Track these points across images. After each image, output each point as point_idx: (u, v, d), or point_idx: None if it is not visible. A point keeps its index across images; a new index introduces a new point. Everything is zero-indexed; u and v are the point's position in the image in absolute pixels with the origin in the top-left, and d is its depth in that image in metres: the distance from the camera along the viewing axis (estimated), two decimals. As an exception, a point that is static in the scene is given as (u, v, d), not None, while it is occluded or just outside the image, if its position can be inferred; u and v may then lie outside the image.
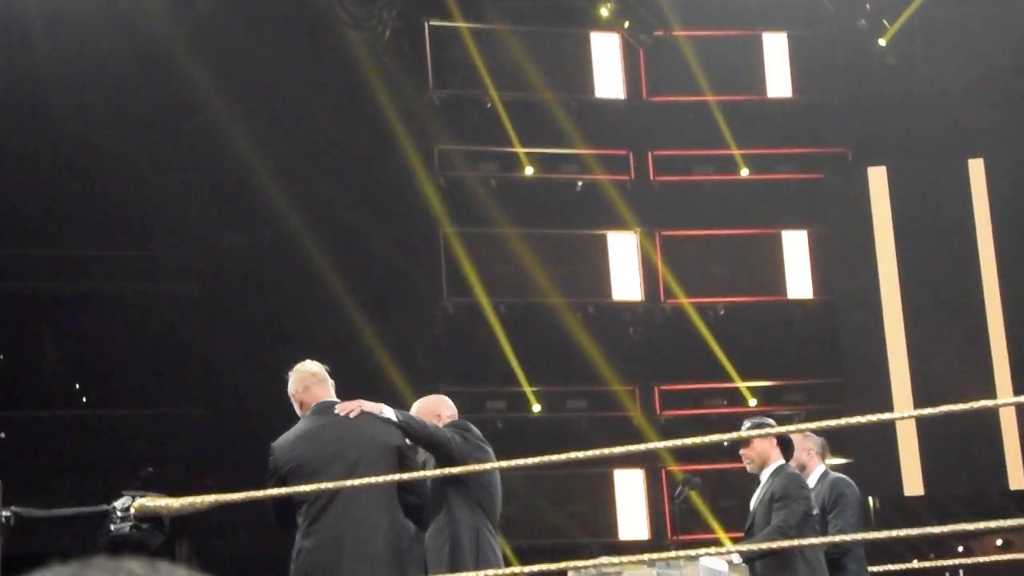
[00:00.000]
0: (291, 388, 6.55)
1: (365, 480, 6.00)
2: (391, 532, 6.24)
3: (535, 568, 6.84)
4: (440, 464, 6.46)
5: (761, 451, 7.51)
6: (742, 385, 15.40)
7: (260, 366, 13.55)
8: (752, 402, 15.36)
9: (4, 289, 14.73)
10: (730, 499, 7.91)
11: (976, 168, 14.92)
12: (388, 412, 6.35)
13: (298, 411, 6.55)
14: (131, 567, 0.78)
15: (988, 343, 14.58)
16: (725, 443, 7.49)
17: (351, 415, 6.34)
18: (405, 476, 6.26)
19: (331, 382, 6.54)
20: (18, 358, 15.22)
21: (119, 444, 14.93)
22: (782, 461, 7.50)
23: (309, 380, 6.48)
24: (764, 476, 7.50)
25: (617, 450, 6.33)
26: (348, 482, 5.98)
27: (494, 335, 15.12)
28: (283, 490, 6.12)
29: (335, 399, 6.49)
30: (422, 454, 6.79)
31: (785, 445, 7.55)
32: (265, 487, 6.34)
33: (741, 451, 7.60)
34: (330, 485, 5.99)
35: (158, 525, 5.83)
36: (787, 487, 7.34)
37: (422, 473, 6.54)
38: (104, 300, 14.95)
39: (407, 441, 6.41)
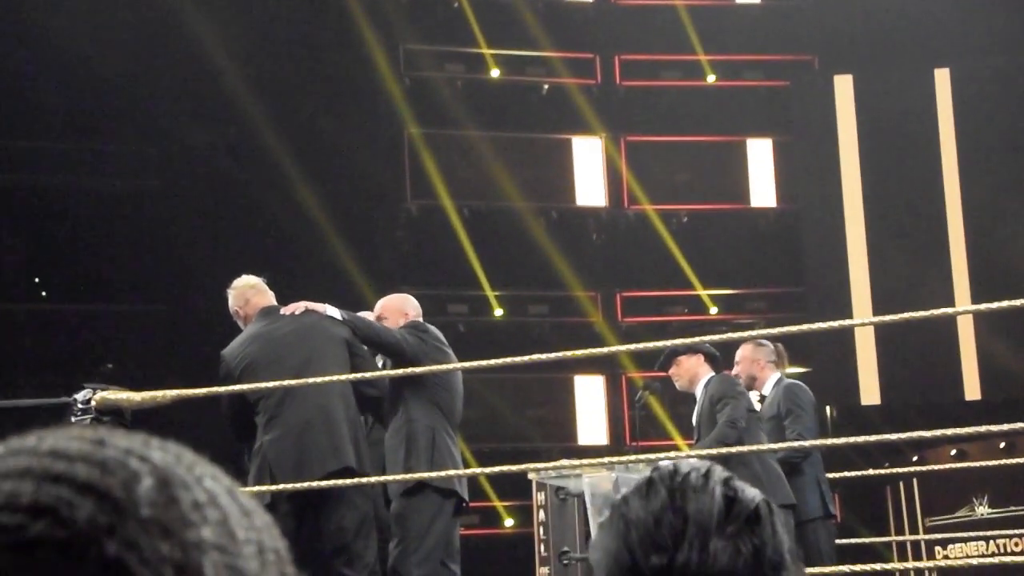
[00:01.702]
0: (232, 305, 6.61)
1: (323, 379, 6.02)
2: (351, 422, 6.30)
3: (495, 469, 6.90)
4: (395, 365, 6.48)
5: (688, 368, 7.63)
6: (704, 293, 15.45)
7: (223, 264, 13.49)
8: (713, 310, 15.43)
9: (-38, 182, 14.59)
10: (688, 407, 7.95)
11: (942, 78, 14.90)
12: (332, 311, 6.42)
13: (242, 327, 6.57)
14: (98, 432, 0.77)
15: (949, 255, 14.66)
16: (684, 347, 7.54)
17: (297, 312, 6.39)
18: (366, 375, 6.28)
19: (271, 293, 6.60)
20: (-24, 252, 15.11)
21: (79, 339, 14.90)
22: (712, 374, 7.59)
23: (248, 292, 6.54)
24: (698, 391, 7.61)
25: (577, 353, 6.37)
26: (310, 380, 6.00)
27: (457, 238, 15.09)
28: (242, 387, 6.13)
29: (277, 305, 6.55)
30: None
31: (713, 360, 7.63)
32: (221, 399, 6.37)
33: (669, 371, 7.70)
34: (290, 383, 6.00)
35: (119, 418, 5.84)
36: (722, 389, 7.46)
37: (382, 372, 6.56)
38: (65, 193, 14.83)
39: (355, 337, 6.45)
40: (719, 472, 1.26)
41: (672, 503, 1.21)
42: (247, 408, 6.30)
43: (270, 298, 6.56)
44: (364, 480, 6.41)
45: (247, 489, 6.01)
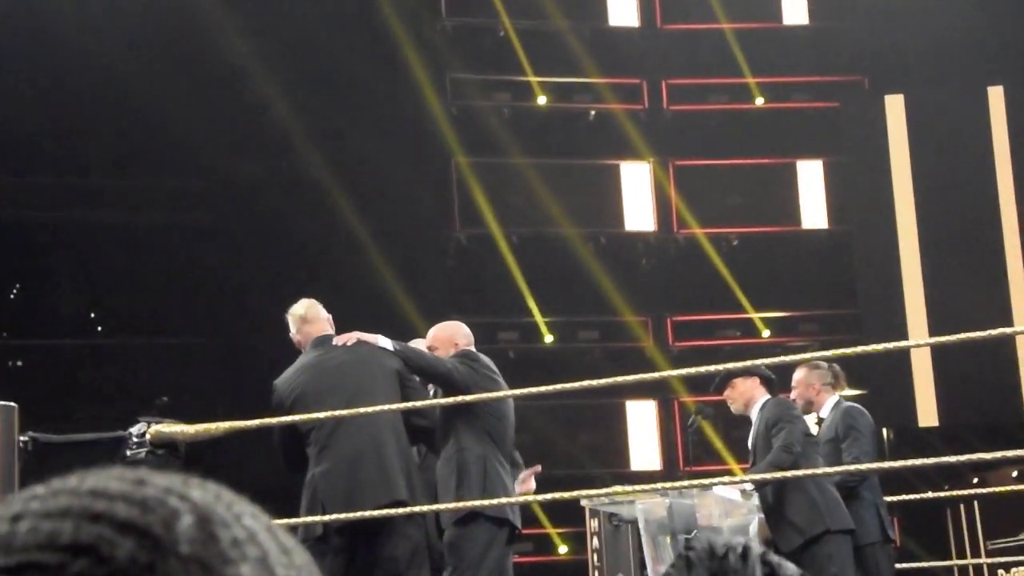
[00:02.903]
0: (291, 332, 6.64)
1: (377, 408, 6.01)
2: (402, 453, 6.28)
3: (548, 496, 6.86)
4: (447, 395, 6.47)
5: (743, 391, 7.56)
6: (755, 316, 15.37)
7: (274, 297, 13.54)
8: (766, 333, 15.34)
9: (21, 218, 14.74)
10: (742, 430, 7.89)
11: (996, 96, 14.78)
12: (384, 342, 6.41)
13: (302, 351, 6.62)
14: (126, 473, 0.77)
15: (1006, 274, 14.51)
16: (739, 370, 7.47)
17: (349, 343, 6.40)
18: (416, 404, 6.27)
19: (326, 318, 6.61)
20: (34, 287, 15.26)
21: (134, 374, 15.00)
22: (767, 397, 7.53)
23: (299, 322, 6.57)
24: (753, 414, 7.54)
25: (628, 378, 6.33)
26: (361, 410, 5.99)
27: (506, 265, 15.10)
28: (293, 417, 6.14)
29: (330, 333, 6.56)
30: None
31: (768, 382, 7.57)
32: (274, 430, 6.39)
33: (724, 394, 7.64)
34: (341, 413, 5.99)
35: (173, 451, 5.86)
36: (779, 413, 7.39)
37: (433, 401, 6.54)
38: (119, 229, 14.96)
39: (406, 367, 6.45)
40: (756, 548, 1.26)
41: None
42: (298, 439, 6.31)
43: (324, 326, 6.56)
44: (416, 509, 6.39)
45: (299, 520, 6.02)
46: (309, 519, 6.04)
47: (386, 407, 6.06)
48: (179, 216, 15.21)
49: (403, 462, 6.25)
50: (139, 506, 0.74)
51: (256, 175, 14.94)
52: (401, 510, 6.01)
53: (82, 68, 14.30)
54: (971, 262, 14.57)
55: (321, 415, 6.02)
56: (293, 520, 6.06)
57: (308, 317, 6.54)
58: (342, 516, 5.94)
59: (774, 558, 1.26)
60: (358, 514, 5.91)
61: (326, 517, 5.99)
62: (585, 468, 14.68)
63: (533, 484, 7.44)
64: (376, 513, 5.91)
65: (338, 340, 6.43)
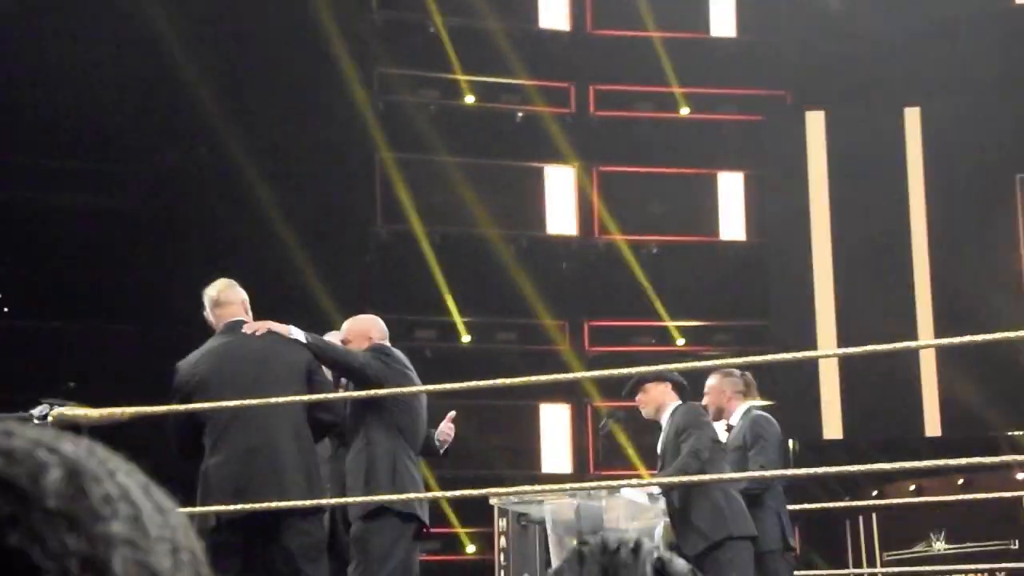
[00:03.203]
0: (206, 309, 6.53)
1: (278, 400, 5.97)
2: (299, 450, 6.20)
3: (457, 493, 6.89)
4: (358, 389, 6.45)
5: (655, 396, 7.64)
6: (671, 324, 15.48)
7: (191, 284, 13.43)
8: (680, 341, 15.46)
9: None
10: (653, 436, 7.96)
11: (912, 117, 15.02)
12: (297, 333, 6.33)
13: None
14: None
15: (913, 293, 14.74)
16: (651, 375, 7.55)
17: (258, 334, 6.31)
18: (322, 397, 6.25)
19: (241, 300, 6.48)
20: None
21: (43, 357, 14.79)
22: (678, 402, 7.61)
23: (212, 304, 6.46)
24: (664, 419, 7.62)
25: (542, 379, 6.38)
26: (262, 400, 5.94)
27: (426, 263, 15.08)
28: (198, 406, 6.08)
29: (243, 318, 6.44)
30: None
31: (680, 388, 7.65)
32: (169, 402, 6.31)
33: (636, 398, 7.71)
34: (252, 402, 5.95)
35: (76, 434, 5.80)
36: (687, 419, 7.47)
37: (341, 395, 6.53)
38: (33, 210, 14.75)
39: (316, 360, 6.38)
40: (648, 545, 1.28)
41: None
42: (194, 426, 6.23)
43: (238, 310, 6.43)
44: (324, 502, 6.38)
45: (193, 510, 5.97)
46: (205, 509, 5.99)
47: (286, 399, 5.99)
48: (95, 199, 15.01)
49: (300, 458, 6.17)
50: (4, 457, 0.71)
51: (177, 161, 14.81)
52: (308, 503, 5.99)
53: (1, 49, 14.10)
54: (881, 280, 14.78)
55: (224, 404, 5.96)
56: (208, 509, 6.01)
57: (221, 300, 6.44)
58: (242, 507, 5.89)
59: (665, 554, 1.28)
60: (255, 506, 5.86)
61: (221, 508, 5.93)
62: (496, 469, 14.71)
63: (452, 431, 7.41)
64: (273, 506, 5.87)
65: (248, 328, 6.33)
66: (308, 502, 5.98)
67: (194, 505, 6.07)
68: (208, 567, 0.78)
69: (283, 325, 6.35)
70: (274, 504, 5.87)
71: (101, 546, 0.70)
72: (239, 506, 5.88)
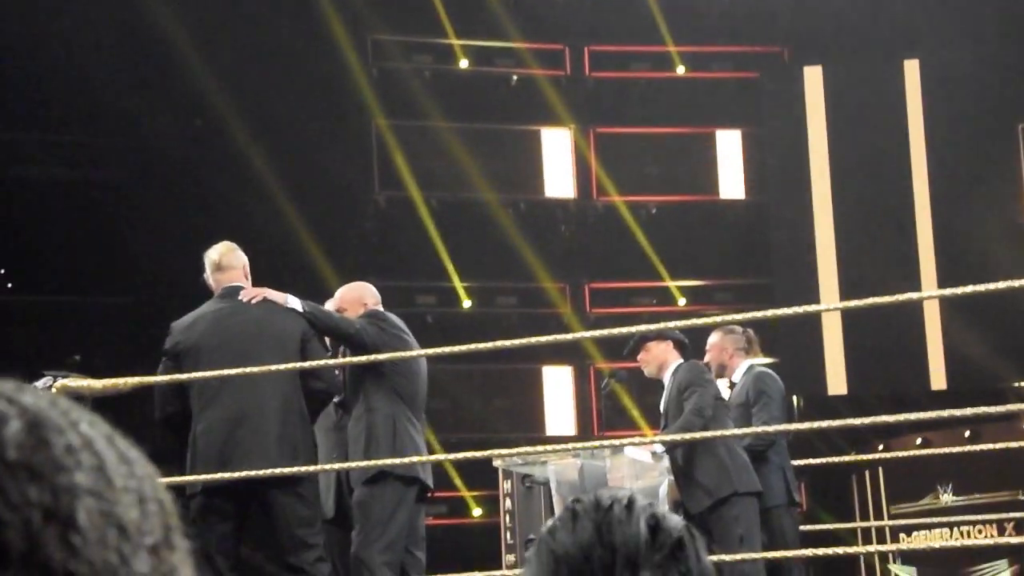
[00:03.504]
0: (206, 268, 6.50)
1: (265, 368, 5.94)
2: (285, 419, 6.16)
3: (459, 455, 6.87)
4: (354, 354, 6.43)
5: (657, 354, 7.62)
6: (672, 284, 15.45)
7: (189, 256, 13.40)
8: (681, 301, 15.43)
9: (-75, 171, 14.45)
10: (656, 396, 7.95)
11: (911, 69, 14.93)
12: (293, 302, 6.30)
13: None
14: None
15: (916, 247, 14.70)
16: (652, 333, 7.53)
17: (254, 301, 6.28)
18: (314, 364, 6.21)
19: (242, 266, 6.46)
20: (-61, 242, 14.98)
21: (45, 332, 14.79)
22: (680, 361, 7.59)
23: (212, 267, 6.43)
24: (666, 378, 7.60)
25: (542, 340, 6.35)
26: (249, 369, 5.91)
27: (425, 229, 15.05)
28: (192, 375, 6.05)
29: (241, 284, 6.41)
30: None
31: (681, 347, 7.63)
32: (158, 366, 6.30)
33: (638, 357, 7.69)
34: (239, 371, 5.90)
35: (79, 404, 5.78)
36: (690, 376, 7.45)
37: (333, 361, 6.50)
38: (29, 184, 14.72)
39: (311, 329, 6.34)
40: (641, 501, 1.26)
41: (599, 536, 1.21)
42: (180, 393, 6.21)
43: (238, 275, 6.39)
44: (327, 467, 6.36)
45: (181, 479, 5.95)
46: (196, 478, 5.98)
47: (273, 368, 5.96)
48: (92, 172, 14.99)
49: (286, 427, 6.14)
50: None
51: (171, 132, 14.75)
52: (309, 468, 5.98)
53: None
54: (883, 235, 14.74)
55: (210, 374, 5.93)
56: (177, 479, 5.99)
57: (223, 264, 6.40)
58: (242, 474, 5.86)
59: (659, 510, 1.27)
60: (247, 473, 5.84)
61: (216, 476, 5.91)
62: (500, 432, 14.70)
63: None
64: (265, 473, 5.85)
65: (245, 295, 6.30)
66: (291, 469, 5.94)
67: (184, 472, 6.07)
68: (177, 518, 0.76)
69: (280, 293, 6.33)
70: (256, 472, 5.84)
71: (65, 497, 0.69)
72: (222, 475, 5.86)
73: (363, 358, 6.25)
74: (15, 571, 0.66)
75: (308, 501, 6.16)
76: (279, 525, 6.06)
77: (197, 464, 6.02)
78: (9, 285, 15.32)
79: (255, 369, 5.88)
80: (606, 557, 1.19)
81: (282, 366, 5.99)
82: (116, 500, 0.71)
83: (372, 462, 6.30)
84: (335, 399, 6.69)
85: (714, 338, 8.13)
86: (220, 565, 5.98)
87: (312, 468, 6.10)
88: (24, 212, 14.65)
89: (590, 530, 1.22)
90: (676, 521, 1.26)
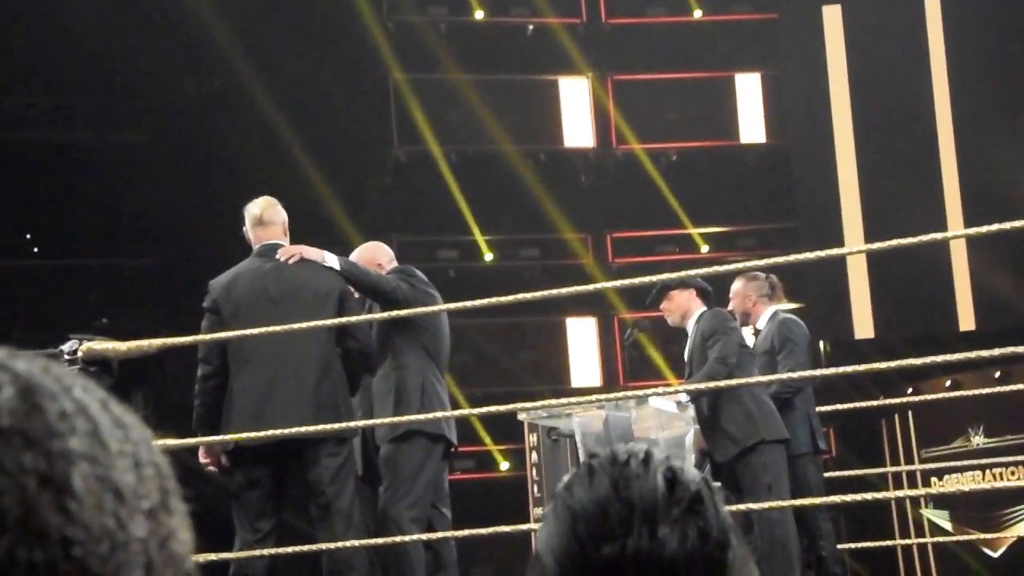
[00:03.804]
0: (245, 223, 6.50)
1: (308, 324, 5.94)
2: (326, 378, 6.17)
3: (484, 410, 6.86)
4: (385, 311, 6.42)
5: (680, 303, 7.59)
6: (694, 231, 15.37)
7: (211, 216, 13.42)
8: (704, 248, 15.36)
9: (-53, 139, 14.48)
10: (680, 345, 7.92)
11: (932, 5, 14.75)
12: (331, 260, 6.30)
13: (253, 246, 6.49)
14: None
15: (941, 184, 14.57)
16: (675, 281, 7.48)
17: (291, 260, 6.28)
18: (351, 320, 6.20)
19: (282, 222, 6.46)
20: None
21: (72, 296, 14.85)
22: (704, 309, 7.54)
23: (253, 223, 6.42)
24: (690, 326, 7.57)
25: (564, 291, 6.30)
26: (288, 327, 5.91)
27: (445, 183, 15.00)
28: (230, 334, 6.05)
29: (280, 242, 6.41)
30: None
31: (705, 295, 7.59)
32: (203, 324, 6.30)
33: (661, 306, 7.65)
34: (277, 328, 5.90)
35: (106, 368, 5.80)
36: (714, 324, 7.41)
37: (369, 316, 6.48)
38: (51, 149, 14.75)
39: (349, 288, 6.35)
40: (659, 455, 1.25)
41: (616, 492, 1.20)
42: (221, 350, 6.21)
43: (278, 232, 6.39)
44: (353, 424, 6.35)
45: (216, 439, 5.96)
46: (228, 437, 5.99)
47: (312, 324, 5.96)
48: (114, 135, 15.01)
49: (328, 384, 6.15)
50: None
51: (191, 93, 14.74)
52: (335, 425, 5.96)
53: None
54: (907, 173, 14.61)
55: (247, 332, 5.92)
56: (212, 438, 6.00)
57: (264, 219, 6.40)
58: (272, 433, 5.88)
59: (676, 464, 1.25)
60: (283, 432, 5.86)
61: (246, 435, 5.93)
62: (526, 385, 14.70)
63: None
64: (304, 430, 5.86)
65: (283, 254, 6.30)
66: (334, 425, 5.95)
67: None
68: (175, 481, 0.76)
69: (317, 251, 6.33)
70: (296, 430, 5.85)
71: (59, 462, 0.69)
72: (275, 432, 5.87)
73: (394, 313, 6.23)
74: (11, 537, 0.67)
75: (340, 458, 6.17)
76: (308, 481, 6.08)
77: (233, 421, 6.03)
78: (35, 250, 15.37)
79: (295, 326, 5.88)
80: (623, 512, 1.19)
81: (321, 322, 5.97)
82: (111, 465, 0.71)
83: (399, 419, 6.31)
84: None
85: (737, 285, 8.09)
86: (259, 526, 6.01)
87: (346, 424, 6.09)
88: (47, 177, 14.69)
89: (606, 485, 1.21)
90: (694, 474, 1.25)
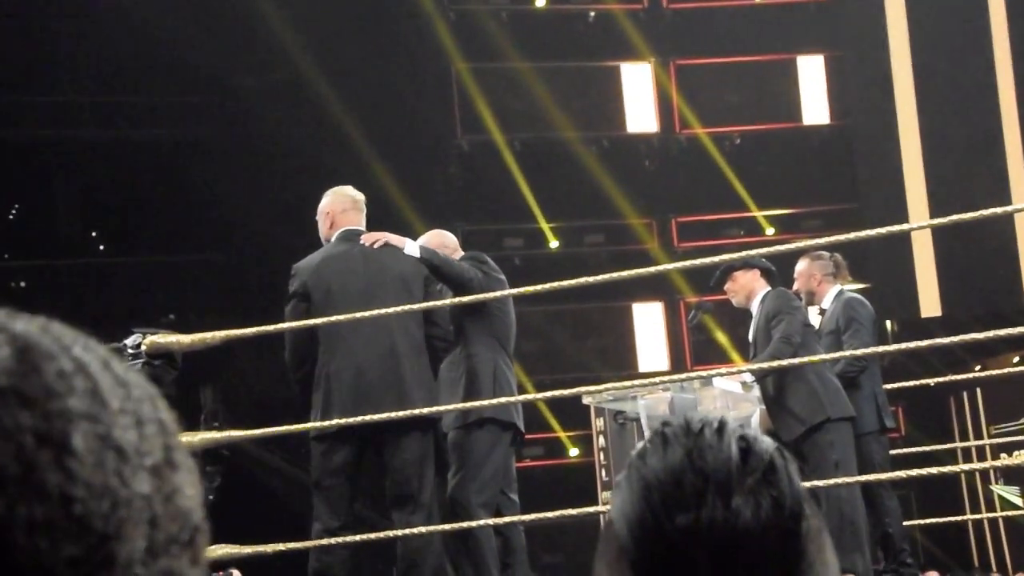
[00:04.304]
0: (327, 206, 6.48)
1: (397, 308, 5.97)
2: (417, 362, 6.22)
3: (549, 394, 6.88)
4: (457, 296, 6.44)
5: (744, 283, 7.55)
6: (759, 214, 15.32)
7: (274, 209, 13.53)
8: (769, 231, 15.30)
9: (15, 137, 14.67)
10: (746, 327, 7.91)
11: (995, -15, 14.60)
12: (411, 247, 6.31)
13: (323, 231, 6.48)
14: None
15: (1006, 165, 14.42)
16: (739, 262, 7.46)
17: (376, 245, 6.31)
18: (431, 304, 6.24)
19: (361, 209, 6.52)
20: (32, 207, 15.24)
21: (137, 292, 15.01)
22: (768, 289, 7.51)
23: (348, 203, 6.45)
24: (754, 307, 7.53)
25: (628, 273, 6.31)
26: (389, 310, 5.93)
27: (509, 172, 15.03)
28: (298, 323, 6.08)
29: (362, 228, 6.47)
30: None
31: (769, 275, 7.55)
32: (286, 308, 6.31)
33: (725, 287, 7.62)
34: (372, 313, 5.92)
35: (170, 361, 5.82)
36: (778, 304, 7.37)
37: (444, 302, 6.52)
38: (116, 146, 14.91)
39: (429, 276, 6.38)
40: (732, 425, 1.25)
41: (690, 461, 1.19)
42: (311, 333, 6.24)
43: (361, 219, 6.45)
44: (428, 410, 6.40)
45: (311, 425, 6.01)
46: (322, 423, 6.04)
47: (403, 308, 5.99)
48: (177, 131, 15.14)
49: (420, 368, 6.22)
50: None
51: (253, 88, 14.85)
52: (411, 411, 6.00)
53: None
54: (971, 154, 14.47)
55: (329, 319, 5.97)
56: (304, 426, 6.05)
57: (359, 204, 6.46)
58: (362, 419, 5.91)
59: (750, 433, 1.23)
60: (370, 417, 5.89)
61: (338, 421, 5.97)
62: (594, 371, 14.72)
63: None
64: (388, 416, 5.89)
65: (366, 239, 6.34)
66: (428, 409, 6.00)
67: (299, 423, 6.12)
68: (177, 437, 0.76)
69: (399, 237, 6.35)
70: (394, 415, 5.87)
71: (58, 422, 0.69)
72: (366, 417, 5.89)
73: (467, 298, 6.25)
74: (11, 494, 0.66)
75: (424, 444, 6.21)
76: (392, 468, 6.13)
77: (332, 406, 6.05)
78: (101, 248, 15.55)
79: (387, 311, 5.91)
80: (697, 482, 1.18)
81: (408, 307, 6.00)
82: (112, 423, 0.71)
83: (469, 404, 6.33)
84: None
85: (801, 265, 8.06)
86: (340, 512, 6.06)
87: (433, 410, 6.13)
88: (113, 174, 14.85)
89: (680, 454, 1.20)
90: (768, 443, 1.24)
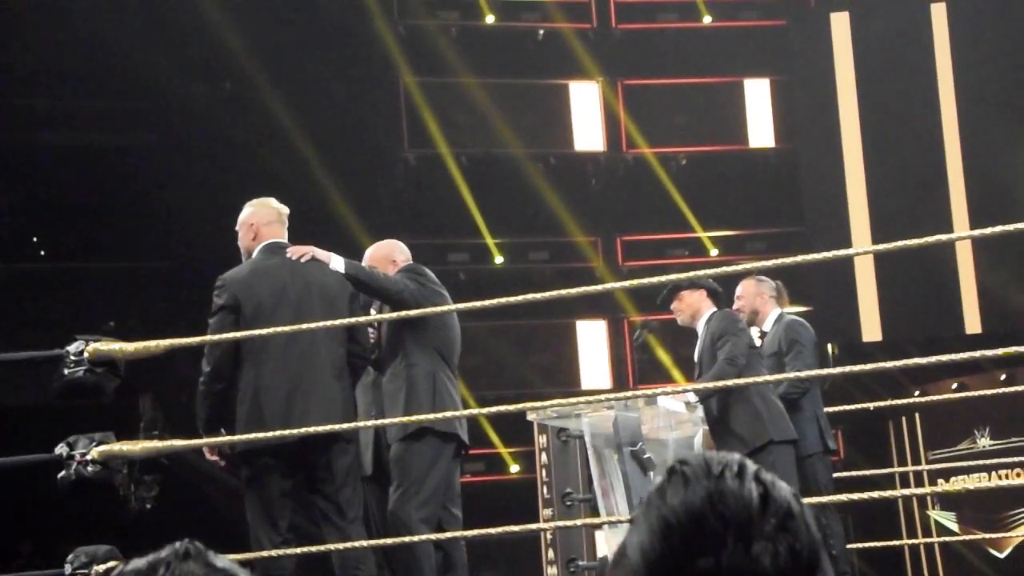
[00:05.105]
0: (250, 217, 6.32)
1: (324, 323, 5.94)
2: (342, 378, 6.17)
3: (494, 409, 6.87)
4: (393, 311, 6.40)
5: (691, 303, 7.58)
6: (704, 235, 15.41)
7: (220, 218, 13.45)
8: (714, 252, 15.40)
9: (-44, 141, 14.52)
10: (690, 348, 7.95)
11: (939, 12, 14.78)
12: (337, 262, 6.24)
13: (245, 242, 6.32)
14: None
15: (948, 191, 14.59)
16: (686, 282, 7.50)
17: (302, 259, 6.24)
18: (362, 320, 6.21)
19: (283, 221, 6.43)
20: (-27, 211, 15.07)
21: (79, 299, 14.88)
22: (714, 309, 7.55)
23: (273, 216, 6.33)
24: (700, 327, 7.56)
25: (575, 291, 6.31)
26: (319, 324, 5.89)
27: (456, 186, 15.04)
28: (238, 334, 6.01)
29: (285, 240, 6.37)
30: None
31: (715, 295, 7.60)
32: (210, 320, 6.19)
33: (672, 306, 7.65)
34: (302, 327, 5.88)
35: (112, 369, 5.76)
36: (724, 325, 7.41)
37: (382, 316, 6.49)
38: (61, 151, 14.78)
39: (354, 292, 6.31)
40: (751, 466, 1.24)
41: (711, 503, 1.19)
42: (236, 350, 6.14)
43: (284, 232, 6.34)
44: (365, 424, 6.37)
45: (242, 437, 5.96)
46: (249, 436, 5.98)
47: (338, 323, 5.95)
48: (122, 138, 15.04)
49: (343, 386, 6.16)
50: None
51: (199, 96, 14.77)
52: (347, 425, 5.97)
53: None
54: (914, 180, 14.64)
55: (262, 332, 5.91)
56: (237, 437, 5.99)
57: (283, 217, 6.31)
58: (292, 432, 5.87)
59: (767, 476, 1.23)
60: (299, 431, 5.84)
61: (264, 435, 5.92)
62: (536, 388, 14.74)
63: None
64: (321, 429, 5.85)
65: (293, 252, 6.26)
66: (347, 425, 5.96)
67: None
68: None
69: (325, 252, 6.27)
70: (324, 428, 5.83)
71: None
72: (295, 431, 5.84)
73: (404, 313, 6.21)
74: None
75: (351, 456, 6.19)
76: (319, 481, 6.08)
77: (263, 420, 5.94)
78: (42, 253, 15.41)
79: (317, 324, 5.85)
80: (718, 527, 1.18)
81: (332, 322, 5.93)
82: None
83: (410, 418, 6.29)
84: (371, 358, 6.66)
85: (746, 286, 8.11)
86: (280, 525, 6.01)
87: (356, 424, 6.10)
88: (55, 179, 14.72)
89: (702, 496, 1.20)
90: (785, 489, 1.22)
